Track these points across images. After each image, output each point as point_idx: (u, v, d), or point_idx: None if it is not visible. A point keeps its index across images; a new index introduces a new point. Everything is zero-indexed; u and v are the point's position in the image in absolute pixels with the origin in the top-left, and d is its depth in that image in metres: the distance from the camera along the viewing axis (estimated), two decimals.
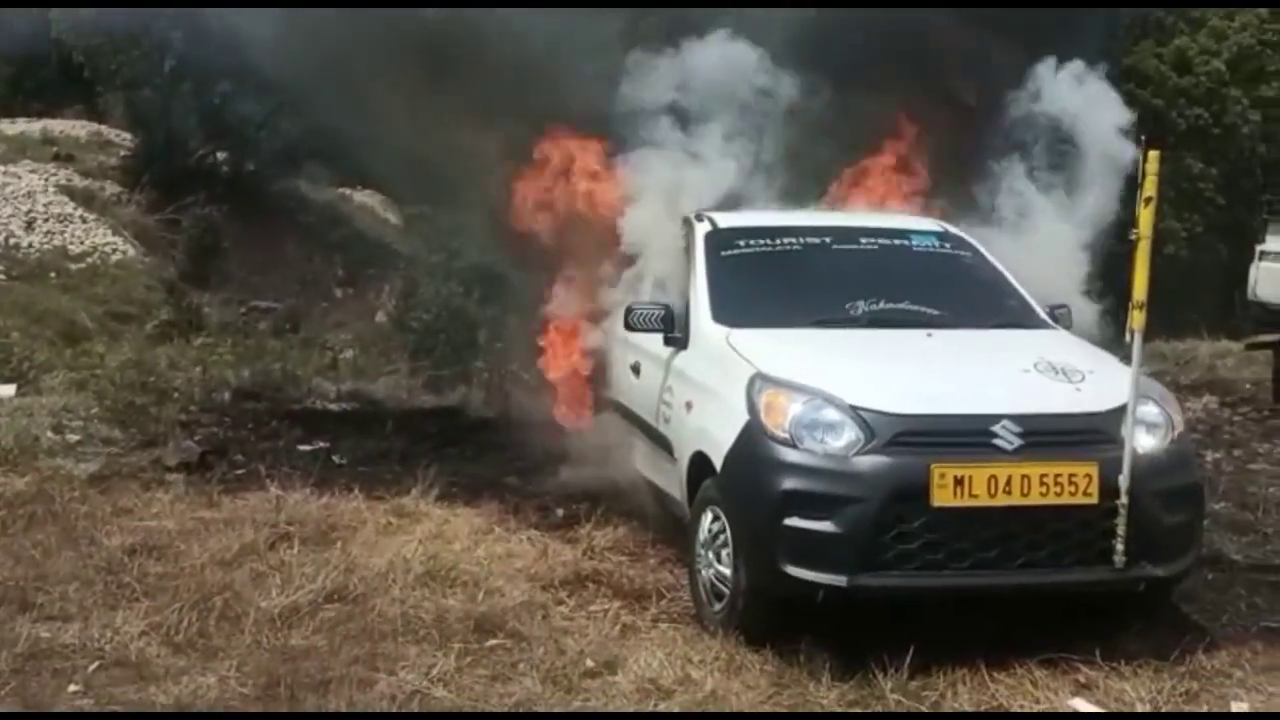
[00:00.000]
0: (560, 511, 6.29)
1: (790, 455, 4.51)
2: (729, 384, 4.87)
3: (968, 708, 4.22)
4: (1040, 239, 6.47)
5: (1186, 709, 4.24)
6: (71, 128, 17.61)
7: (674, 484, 5.44)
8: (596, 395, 6.91)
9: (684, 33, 7.06)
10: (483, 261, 10.84)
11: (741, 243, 5.90)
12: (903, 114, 7.20)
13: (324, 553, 5.41)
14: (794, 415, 4.56)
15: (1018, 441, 4.47)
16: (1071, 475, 4.44)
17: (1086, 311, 6.17)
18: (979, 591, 4.55)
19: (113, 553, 5.38)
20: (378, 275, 16.93)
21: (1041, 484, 4.42)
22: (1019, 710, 4.21)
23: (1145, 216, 4.53)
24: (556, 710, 4.13)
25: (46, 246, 13.85)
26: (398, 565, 5.23)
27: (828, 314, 5.44)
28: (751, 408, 4.67)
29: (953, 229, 6.23)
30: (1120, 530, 4.45)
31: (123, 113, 17.72)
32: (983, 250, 6.03)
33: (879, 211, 6.85)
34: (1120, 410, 4.58)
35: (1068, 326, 5.64)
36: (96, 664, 4.34)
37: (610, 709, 4.15)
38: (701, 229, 5.98)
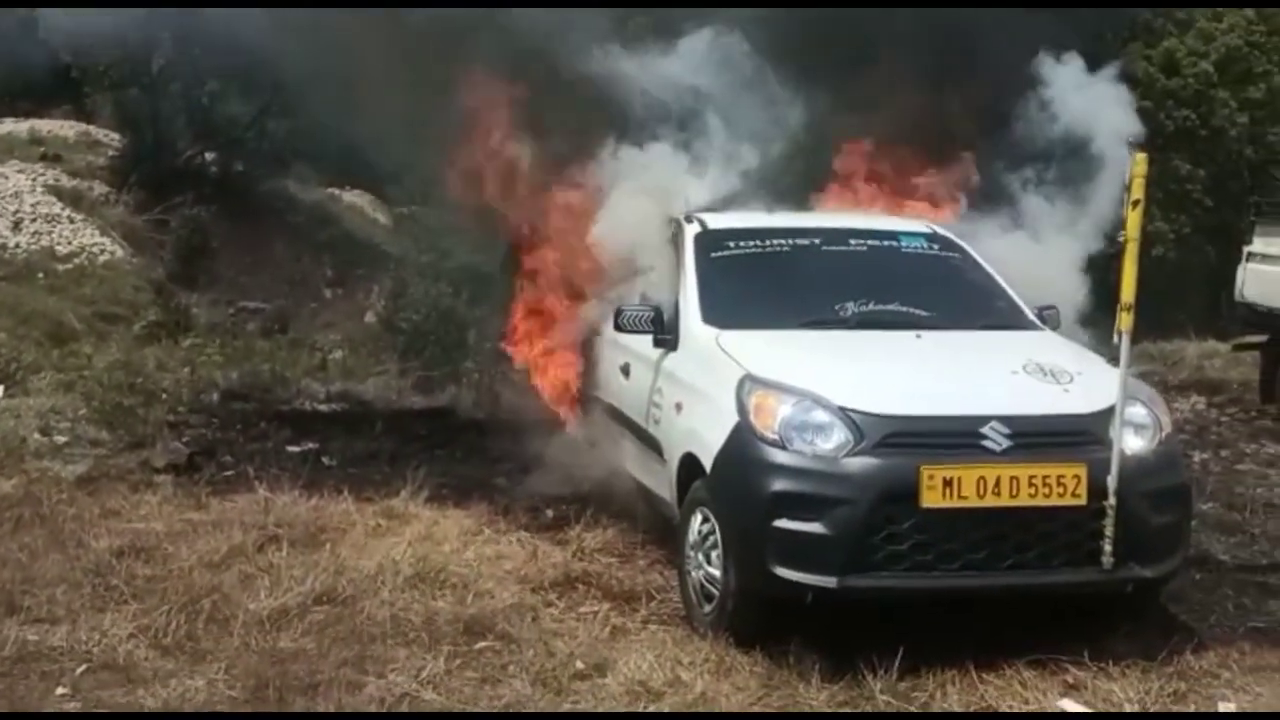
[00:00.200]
0: (550, 513, 6.28)
1: (780, 457, 4.52)
2: (719, 385, 4.88)
3: (957, 709, 4.24)
4: (1044, 248, 6.49)
5: (1174, 709, 4.26)
6: (59, 128, 17.57)
7: (663, 485, 5.44)
8: (584, 396, 6.91)
9: (673, 32, 7.07)
10: (472, 262, 10.83)
11: (731, 244, 5.91)
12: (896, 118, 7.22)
13: (313, 555, 5.39)
14: (783, 417, 4.56)
15: (1006, 443, 4.48)
16: (1060, 476, 4.45)
17: (1083, 314, 6.20)
18: (968, 592, 4.56)
19: (100, 555, 5.36)
20: (367, 275, 16.91)
21: (1030, 485, 4.43)
22: (1008, 710, 4.23)
23: (1133, 219, 4.55)
24: (546, 711, 4.13)
25: (34, 247, 13.80)
26: (387, 567, 5.22)
27: (817, 315, 5.44)
28: (741, 409, 4.67)
29: (941, 230, 6.25)
30: (1108, 531, 4.47)
31: (111, 113, 17.68)
32: (971, 251, 6.04)
33: (868, 213, 6.87)
34: (1108, 411, 4.60)
35: (1056, 328, 5.66)
36: (84, 667, 4.32)
37: (600, 711, 4.15)
38: (691, 230, 5.99)
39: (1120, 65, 7.01)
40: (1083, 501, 4.47)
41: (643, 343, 5.72)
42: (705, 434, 4.87)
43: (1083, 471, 4.47)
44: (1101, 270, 6.33)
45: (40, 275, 13.10)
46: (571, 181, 6.86)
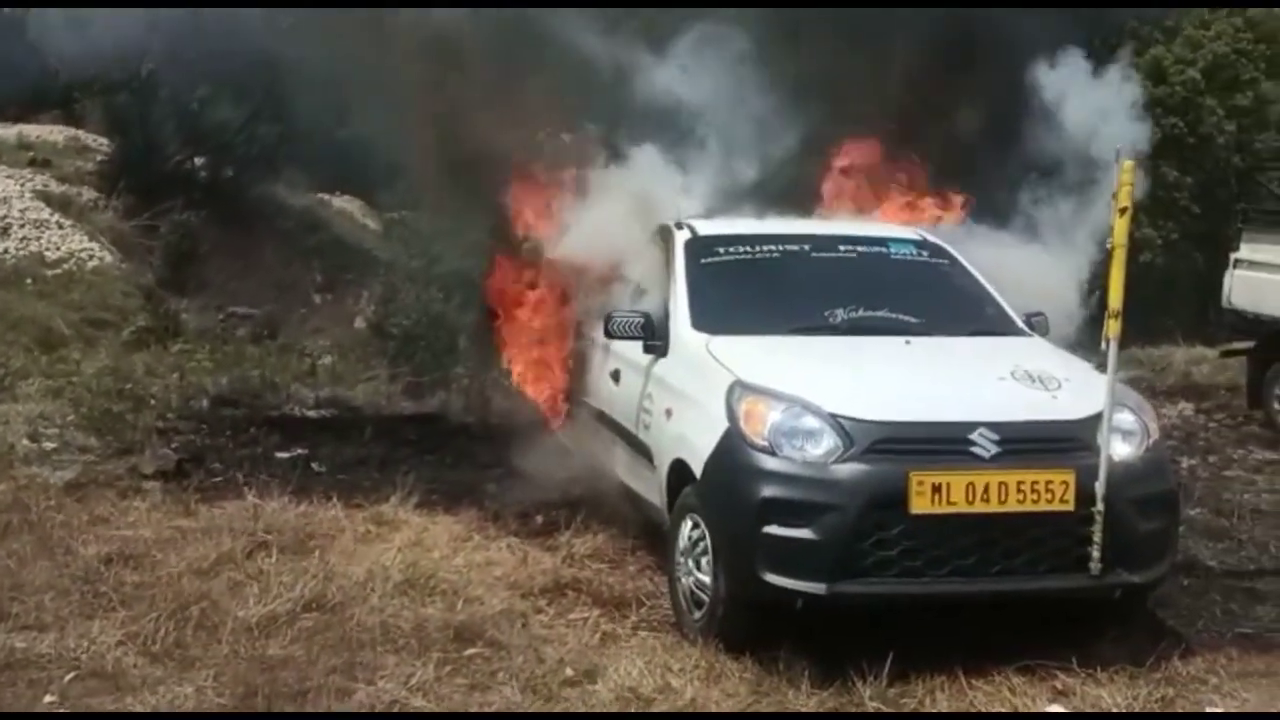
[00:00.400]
0: (540, 519, 6.27)
1: (769, 463, 4.53)
2: (708, 391, 4.88)
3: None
4: (1049, 255, 6.52)
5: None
6: (48, 132, 17.49)
7: (654, 491, 5.45)
8: (574, 402, 6.91)
9: (665, 35, 7.08)
10: (463, 267, 10.82)
11: (721, 250, 5.92)
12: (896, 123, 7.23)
13: (302, 561, 5.38)
14: (773, 423, 4.58)
15: (995, 449, 4.49)
16: (1048, 482, 4.47)
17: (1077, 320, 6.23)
18: (957, 598, 4.58)
19: (89, 562, 5.34)
20: (357, 281, 16.88)
21: (1018, 491, 4.45)
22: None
23: (1120, 226, 4.57)
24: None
25: (22, 252, 13.74)
26: (376, 574, 5.21)
27: (807, 321, 5.46)
28: (731, 415, 4.68)
29: (931, 237, 6.27)
30: (1096, 537, 4.49)
31: (100, 118, 17.62)
32: (960, 258, 6.07)
33: (858, 219, 6.89)
34: (1096, 418, 4.61)
35: (1044, 334, 5.68)
36: (72, 674, 4.31)
37: (592, 711, 4.15)
38: (681, 236, 6.00)
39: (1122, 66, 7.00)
40: (1071, 507, 4.49)
41: (633, 349, 5.73)
42: (695, 440, 4.88)
43: (1071, 477, 4.49)
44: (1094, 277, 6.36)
45: (29, 281, 13.04)
46: (556, 182, 6.86)
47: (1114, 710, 4.24)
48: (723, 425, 4.69)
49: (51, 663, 4.38)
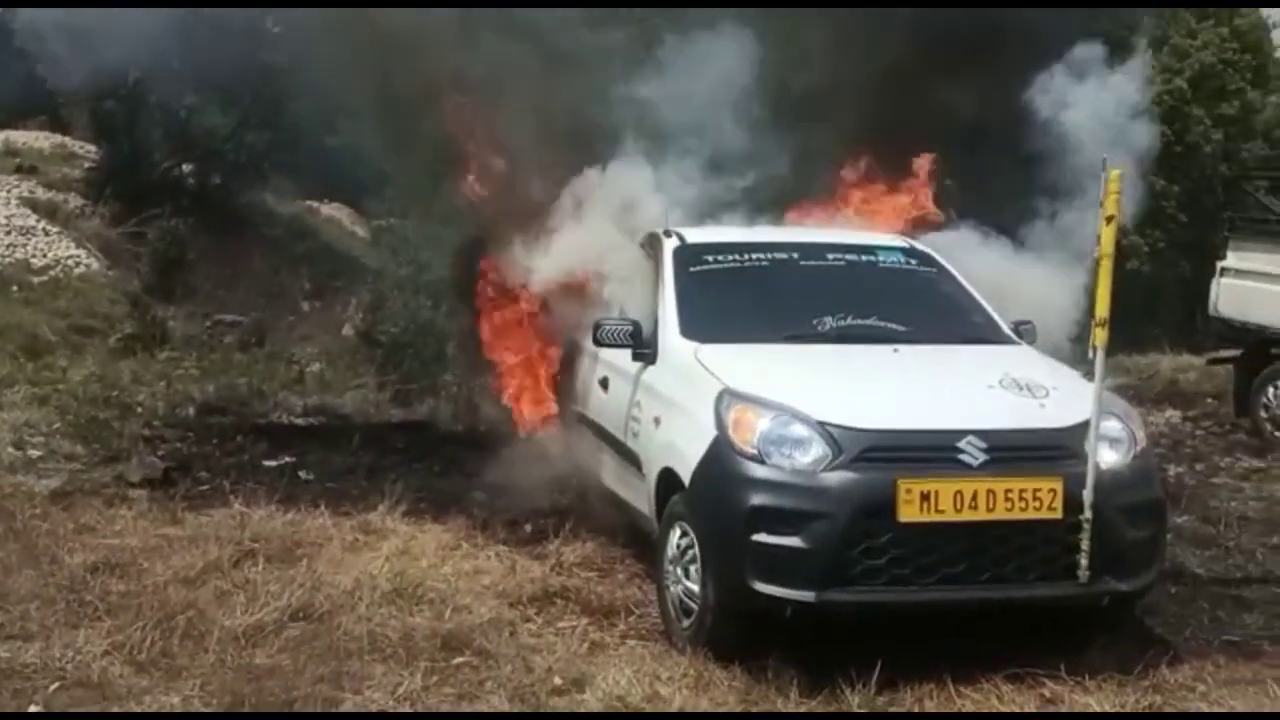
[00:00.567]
0: (529, 527, 6.27)
1: (758, 471, 4.52)
2: (697, 399, 4.88)
3: None
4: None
5: None
6: (35, 139, 17.47)
7: (642, 499, 5.44)
8: (563, 410, 6.91)
9: (654, 44, 7.09)
10: (451, 274, 10.82)
11: (709, 258, 5.92)
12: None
13: (289, 570, 5.35)
14: (762, 431, 4.57)
15: (983, 457, 4.50)
16: (1036, 490, 4.48)
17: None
18: (946, 606, 4.58)
19: (74, 570, 5.30)
20: (345, 288, 16.89)
21: (1006, 499, 4.45)
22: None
23: (1107, 235, 4.59)
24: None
25: (8, 259, 13.71)
26: (364, 582, 5.19)
27: (795, 329, 5.46)
28: (720, 423, 4.68)
29: (919, 245, 6.28)
30: (1084, 545, 4.49)
31: (87, 124, 17.59)
32: (948, 266, 6.08)
33: (846, 227, 6.90)
34: (1084, 426, 4.62)
35: (1032, 342, 5.70)
36: (57, 684, 4.27)
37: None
38: (670, 245, 6.00)
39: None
40: (1059, 515, 4.49)
41: (622, 356, 5.72)
42: (684, 448, 4.87)
43: (1059, 486, 4.50)
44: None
45: (15, 288, 13.01)
46: (543, 192, 6.87)
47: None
48: (711, 433, 4.69)
49: (37, 672, 4.35)
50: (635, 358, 5.62)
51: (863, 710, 4.25)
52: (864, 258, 6.10)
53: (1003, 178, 7.09)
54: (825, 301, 5.62)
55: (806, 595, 4.40)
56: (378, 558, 5.53)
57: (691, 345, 5.31)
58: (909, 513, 4.39)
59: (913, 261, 6.10)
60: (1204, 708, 4.40)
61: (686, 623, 4.80)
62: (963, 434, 4.53)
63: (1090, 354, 4.70)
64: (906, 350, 5.33)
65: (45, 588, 5.12)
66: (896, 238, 6.46)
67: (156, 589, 5.12)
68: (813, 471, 4.48)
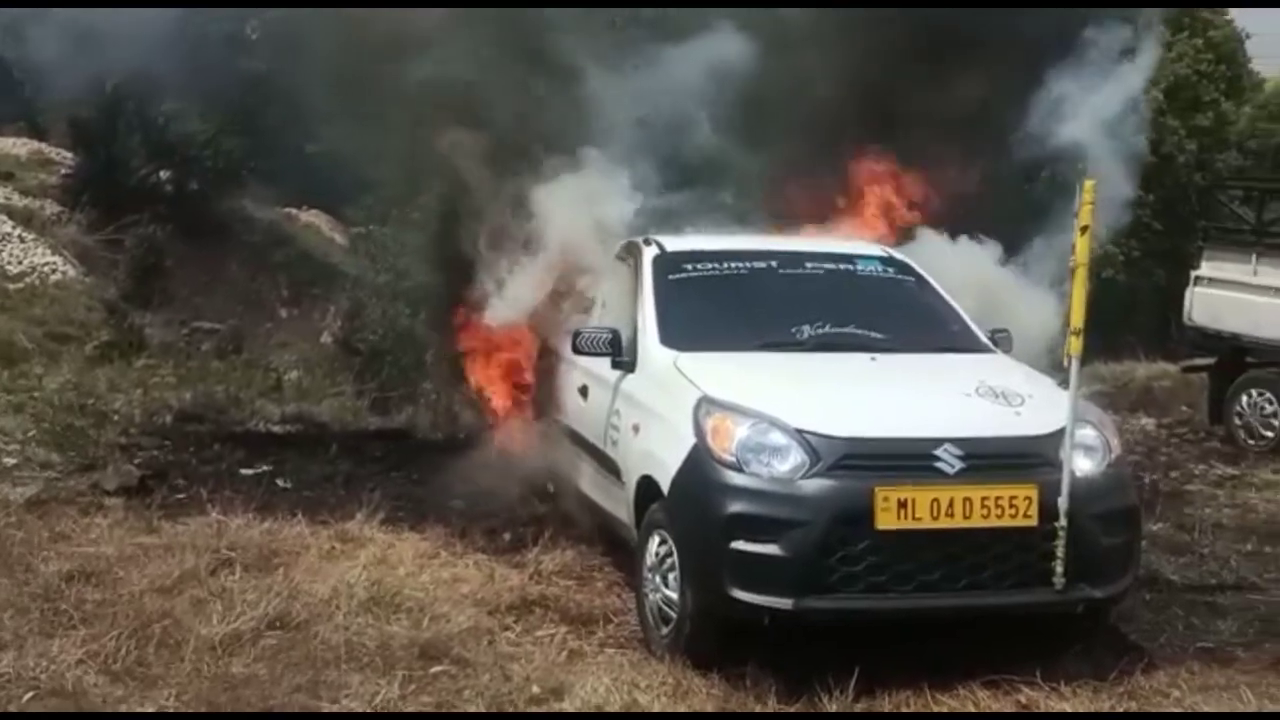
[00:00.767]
0: (507, 535, 6.25)
1: (736, 479, 4.54)
2: (676, 407, 4.89)
3: None
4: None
5: None
6: (11, 145, 17.32)
7: (621, 507, 5.44)
8: (542, 418, 6.90)
9: (643, 48, 7.11)
10: (430, 281, 10.81)
11: (689, 266, 5.94)
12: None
13: (266, 579, 5.33)
14: (740, 439, 4.59)
15: (959, 465, 4.53)
16: (1012, 498, 4.51)
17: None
18: (923, 613, 4.60)
19: (49, 579, 5.26)
20: (323, 295, 16.81)
21: (983, 507, 4.48)
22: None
23: (1082, 245, 4.62)
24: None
25: None
26: (341, 591, 5.17)
27: (774, 338, 5.48)
28: (698, 431, 4.69)
29: (896, 254, 6.32)
30: (1059, 552, 4.52)
31: (64, 131, 17.47)
32: (925, 275, 6.11)
33: (825, 236, 6.93)
34: (1059, 433, 4.66)
35: (1008, 350, 5.73)
36: (31, 694, 4.24)
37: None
38: (649, 253, 6.01)
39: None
40: (1034, 523, 4.52)
41: (601, 365, 5.73)
42: (663, 456, 4.88)
43: (1034, 493, 4.53)
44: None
45: None
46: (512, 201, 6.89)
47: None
48: (690, 441, 4.70)
49: (10, 682, 4.31)
50: (614, 366, 5.63)
51: (840, 711, 4.26)
52: (842, 266, 6.13)
53: (993, 185, 7.12)
54: (803, 310, 5.64)
55: (784, 603, 4.41)
56: (355, 566, 5.51)
57: (670, 353, 5.32)
58: (886, 520, 4.41)
59: (890, 270, 6.13)
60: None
61: (665, 630, 4.81)
62: (939, 442, 4.56)
63: (1065, 362, 4.74)
64: (884, 359, 5.35)
65: (19, 596, 5.07)
66: (874, 246, 6.49)
67: (132, 598, 5.08)
68: (791, 479, 4.49)
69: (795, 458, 4.52)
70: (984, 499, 4.48)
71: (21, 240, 14.23)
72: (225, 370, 11.63)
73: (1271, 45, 33.18)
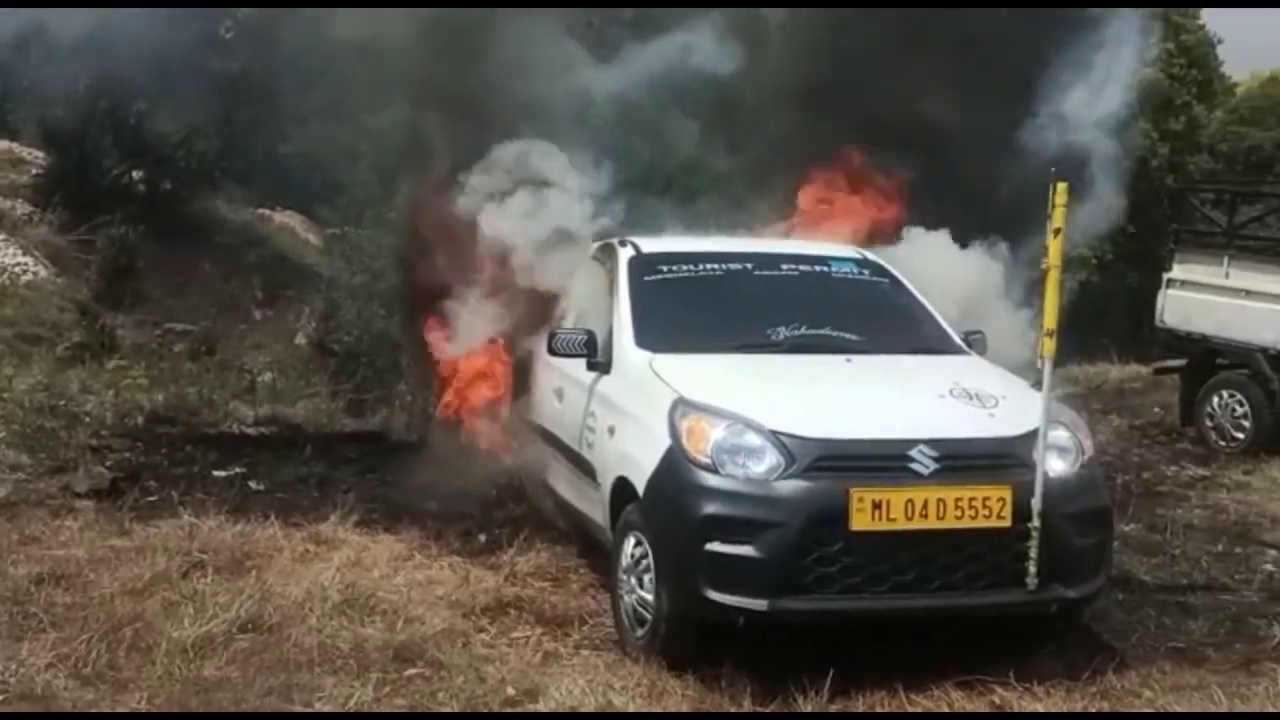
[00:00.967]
0: (482, 537, 6.24)
1: (711, 480, 4.54)
2: (651, 409, 4.89)
3: None
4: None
5: None
6: None
7: (596, 509, 5.44)
8: (518, 419, 6.89)
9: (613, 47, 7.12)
10: (405, 283, 10.77)
11: (664, 268, 5.94)
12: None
13: (238, 581, 5.30)
14: (715, 440, 4.59)
15: (934, 466, 4.54)
16: (985, 499, 4.53)
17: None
18: (897, 614, 4.62)
19: (19, 582, 5.21)
20: (297, 297, 16.73)
21: (956, 507, 4.50)
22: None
23: (1054, 247, 4.65)
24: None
25: None
26: (315, 594, 5.15)
27: (750, 339, 5.48)
28: (674, 433, 4.69)
29: (871, 256, 6.34)
30: (1033, 552, 4.55)
31: (35, 130, 17.33)
32: (900, 277, 6.13)
33: (800, 238, 6.95)
34: (1032, 435, 4.68)
35: (982, 352, 5.76)
36: (1, 698, 4.20)
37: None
38: (625, 254, 6.01)
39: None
40: (1007, 523, 4.54)
41: (576, 366, 5.72)
42: (638, 457, 4.88)
43: (1007, 494, 4.55)
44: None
45: None
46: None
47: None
48: (665, 443, 4.70)
49: None
50: (590, 367, 5.62)
51: (815, 711, 4.27)
52: (818, 268, 6.14)
53: (976, 187, 7.15)
54: (779, 311, 5.65)
55: (759, 604, 4.42)
56: (329, 569, 5.48)
57: (646, 355, 5.32)
58: (861, 521, 4.42)
59: (865, 272, 6.15)
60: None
61: (640, 632, 4.81)
62: (914, 443, 4.58)
63: (1038, 364, 4.76)
64: (859, 360, 5.37)
65: None
66: (850, 248, 6.51)
67: (103, 600, 5.04)
68: (766, 481, 4.50)
69: (770, 459, 4.53)
70: (958, 500, 4.50)
71: None
72: (198, 372, 11.55)
73: (1244, 49, 33.46)
